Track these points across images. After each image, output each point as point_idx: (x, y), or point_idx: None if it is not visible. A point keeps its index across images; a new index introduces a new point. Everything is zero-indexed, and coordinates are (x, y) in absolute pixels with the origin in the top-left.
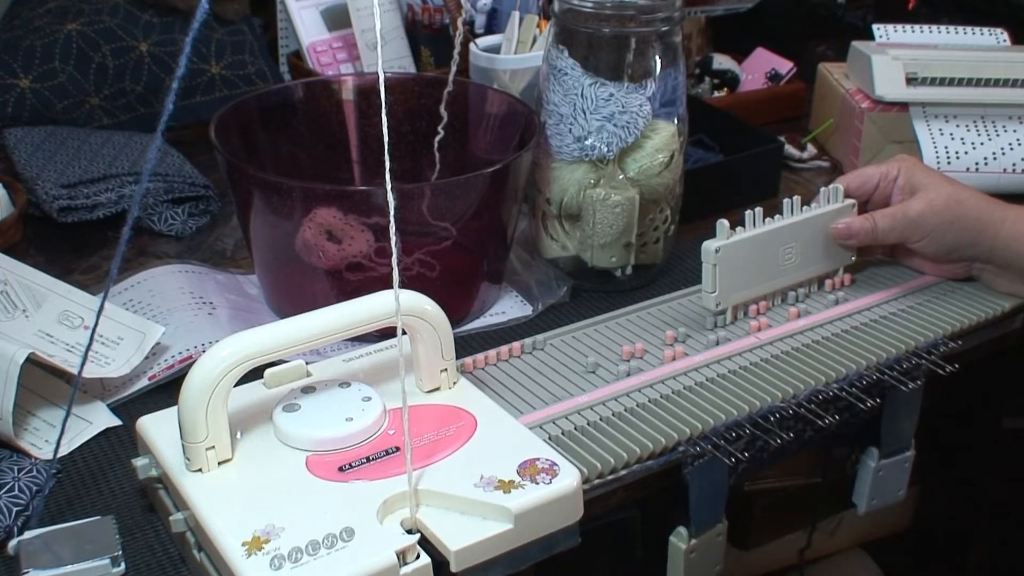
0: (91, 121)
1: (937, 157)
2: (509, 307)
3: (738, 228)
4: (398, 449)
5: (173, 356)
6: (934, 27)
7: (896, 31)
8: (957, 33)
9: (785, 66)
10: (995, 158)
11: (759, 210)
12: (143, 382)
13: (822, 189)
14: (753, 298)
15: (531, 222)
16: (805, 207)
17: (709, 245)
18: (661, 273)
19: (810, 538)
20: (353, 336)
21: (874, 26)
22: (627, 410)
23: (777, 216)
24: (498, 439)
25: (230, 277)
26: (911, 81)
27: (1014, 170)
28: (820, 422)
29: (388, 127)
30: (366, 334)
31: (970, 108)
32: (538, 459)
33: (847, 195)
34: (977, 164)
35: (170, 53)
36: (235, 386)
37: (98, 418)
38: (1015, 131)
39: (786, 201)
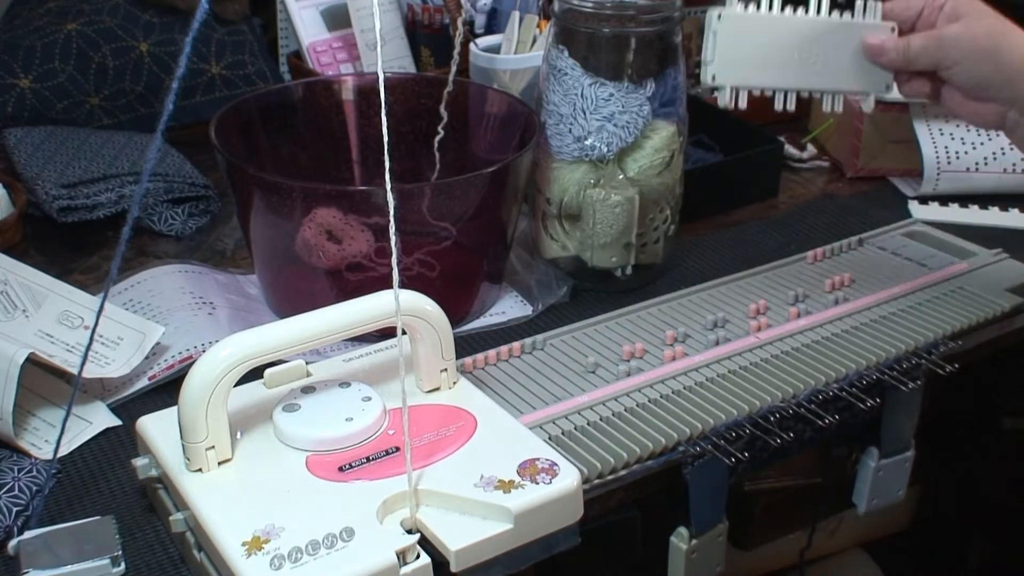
0: (91, 121)
1: (937, 157)
2: (509, 307)
3: (751, 5)
4: (398, 449)
5: (173, 356)
6: None
7: None
8: None
9: None
10: (995, 158)
11: None
12: (143, 382)
13: (859, 1)
14: (761, 86)
15: (531, 222)
16: (836, 11)
17: (712, 12)
18: (661, 273)
19: (810, 538)
20: (353, 336)
21: None
22: (627, 410)
23: (801, 10)
24: (498, 439)
25: (230, 277)
26: None
27: (1014, 170)
28: (820, 422)
29: (388, 127)
30: (366, 334)
31: None
32: (538, 459)
33: (887, 16)
34: (977, 164)
35: (170, 53)
36: (235, 386)
37: (98, 418)
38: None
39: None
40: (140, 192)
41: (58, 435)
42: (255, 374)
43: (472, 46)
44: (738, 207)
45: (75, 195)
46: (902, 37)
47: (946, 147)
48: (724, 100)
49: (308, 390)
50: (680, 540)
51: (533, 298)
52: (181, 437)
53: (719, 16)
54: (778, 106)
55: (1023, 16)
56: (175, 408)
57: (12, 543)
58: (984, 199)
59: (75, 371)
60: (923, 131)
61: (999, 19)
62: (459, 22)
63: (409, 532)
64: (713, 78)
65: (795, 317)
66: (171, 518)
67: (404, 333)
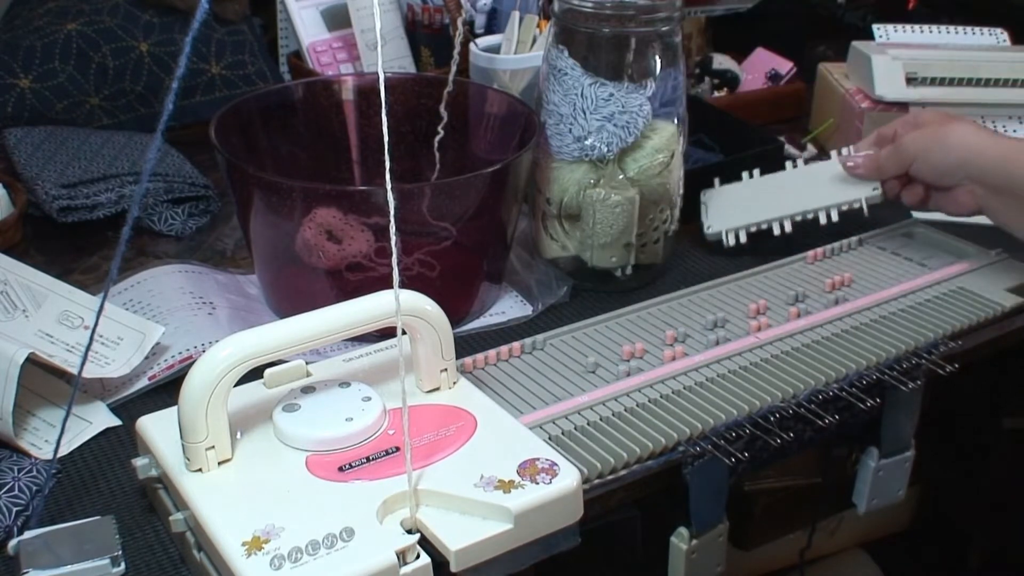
0: (91, 121)
1: None
2: (509, 307)
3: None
4: (398, 449)
5: (173, 356)
6: (934, 27)
7: (896, 31)
8: (957, 33)
9: (785, 66)
10: None
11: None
12: (143, 382)
13: (833, 153)
14: (755, 222)
15: (531, 222)
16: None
17: (703, 193)
18: (661, 273)
19: (810, 538)
20: (353, 336)
21: (874, 26)
22: (627, 410)
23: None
24: (498, 439)
25: (230, 277)
26: (911, 81)
27: None
28: (820, 422)
29: (388, 127)
30: (366, 334)
31: (970, 108)
32: (538, 459)
33: (879, 139)
34: None
35: (170, 53)
36: (235, 386)
37: (98, 418)
38: (1015, 131)
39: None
40: (140, 192)
41: (58, 435)
42: (255, 374)
43: (472, 46)
44: None
45: (75, 195)
46: (872, 152)
47: None
48: (726, 242)
49: (308, 390)
50: (680, 540)
51: (533, 298)
52: (181, 437)
53: (704, 192)
54: (776, 231)
55: (1023, 16)
56: (175, 408)
57: (12, 543)
58: None
59: (75, 371)
60: None
61: (951, 117)
62: (459, 22)
63: (409, 532)
64: (709, 227)
65: (795, 317)
66: (171, 518)
67: (404, 333)
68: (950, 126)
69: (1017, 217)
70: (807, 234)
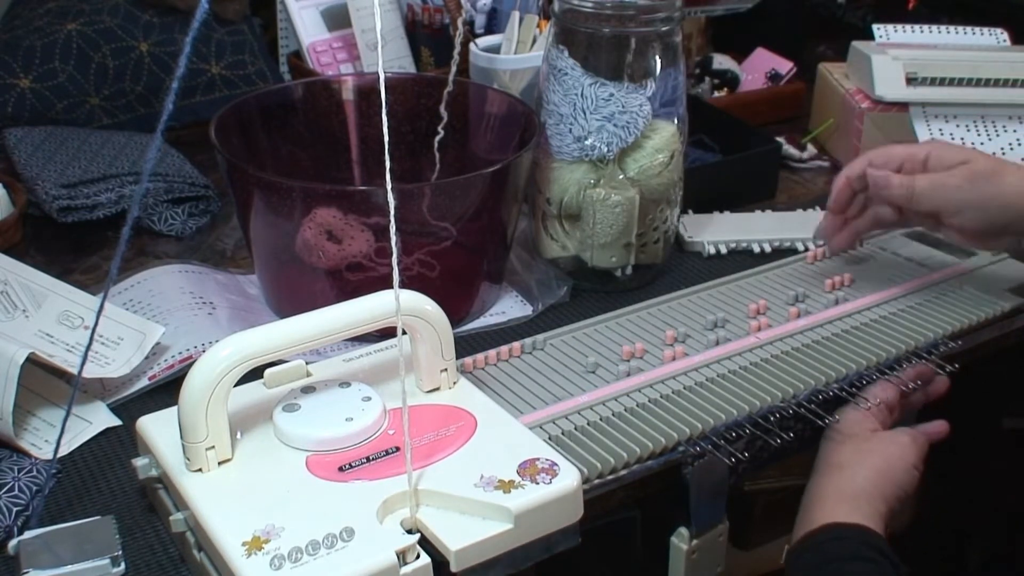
0: (91, 121)
1: None
2: (509, 307)
3: None
4: (398, 449)
5: (173, 356)
6: (934, 27)
7: (896, 31)
8: (957, 33)
9: (785, 66)
10: None
11: None
12: (143, 382)
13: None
14: (735, 239)
15: (531, 222)
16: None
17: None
18: (661, 273)
19: None
20: (353, 336)
21: (874, 26)
22: (627, 410)
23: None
24: (498, 439)
25: (230, 277)
26: (911, 81)
27: None
28: (820, 422)
29: (388, 127)
30: (366, 334)
31: (970, 108)
32: (538, 459)
33: (871, 165)
34: None
35: (170, 53)
36: (235, 386)
37: (98, 418)
38: (1015, 131)
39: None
40: (140, 192)
41: (58, 435)
42: (255, 374)
43: (472, 46)
44: (737, 207)
45: (75, 195)
46: (907, 175)
47: None
48: (705, 252)
49: (308, 390)
50: (680, 540)
51: (533, 298)
52: (181, 437)
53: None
54: (756, 250)
55: (1023, 16)
56: (175, 408)
57: (12, 543)
58: None
59: (75, 371)
60: (923, 131)
61: (990, 157)
62: (459, 22)
63: (409, 532)
64: (691, 237)
65: (795, 317)
66: (171, 518)
67: (404, 333)
68: (1002, 176)
69: None
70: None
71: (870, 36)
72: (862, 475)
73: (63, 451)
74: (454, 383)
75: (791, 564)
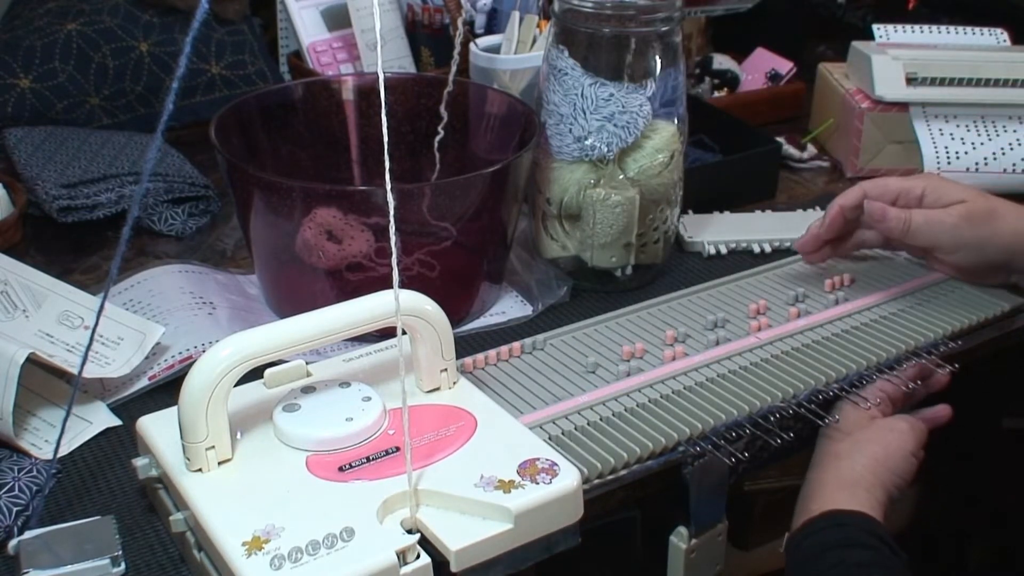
0: (91, 121)
1: (937, 157)
2: (509, 307)
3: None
4: (398, 449)
5: (173, 356)
6: (934, 27)
7: (896, 31)
8: (957, 33)
9: (785, 66)
10: (995, 158)
11: None
12: (143, 382)
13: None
14: (733, 239)
15: (531, 222)
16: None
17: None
18: (661, 273)
19: None
20: (353, 336)
21: (874, 26)
22: (627, 410)
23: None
24: (498, 439)
25: (230, 277)
26: (911, 81)
27: (1014, 170)
28: (820, 422)
29: (388, 127)
30: (366, 334)
31: (970, 108)
32: (538, 459)
33: (865, 196)
34: (977, 164)
35: (170, 53)
36: (235, 386)
37: (98, 418)
38: (1015, 131)
39: None
40: (140, 192)
41: (58, 435)
42: (255, 374)
43: (472, 46)
44: (737, 207)
45: (75, 195)
46: (903, 209)
47: (946, 147)
48: (705, 252)
49: (308, 390)
50: (680, 540)
51: (533, 298)
52: (181, 437)
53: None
54: (756, 250)
55: (1023, 16)
56: (175, 408)
57: (12, 543)
58: None
59: (75, 371)
60: (923, 131)
61: (988, 196)
62: (459, 22)
63: (409, 532)
64: (690, 237)
65: (795, 317)
66: (171, 518)
67: (404, 333)
68: (999, 216)
69: None
70: None
71: (870, 36)
72: (861, 463)
73: (63, 451)
74: (454, 383)
75: (791, 551)
